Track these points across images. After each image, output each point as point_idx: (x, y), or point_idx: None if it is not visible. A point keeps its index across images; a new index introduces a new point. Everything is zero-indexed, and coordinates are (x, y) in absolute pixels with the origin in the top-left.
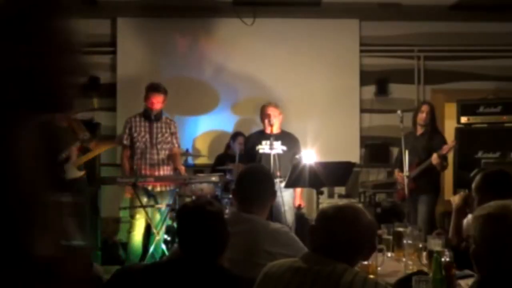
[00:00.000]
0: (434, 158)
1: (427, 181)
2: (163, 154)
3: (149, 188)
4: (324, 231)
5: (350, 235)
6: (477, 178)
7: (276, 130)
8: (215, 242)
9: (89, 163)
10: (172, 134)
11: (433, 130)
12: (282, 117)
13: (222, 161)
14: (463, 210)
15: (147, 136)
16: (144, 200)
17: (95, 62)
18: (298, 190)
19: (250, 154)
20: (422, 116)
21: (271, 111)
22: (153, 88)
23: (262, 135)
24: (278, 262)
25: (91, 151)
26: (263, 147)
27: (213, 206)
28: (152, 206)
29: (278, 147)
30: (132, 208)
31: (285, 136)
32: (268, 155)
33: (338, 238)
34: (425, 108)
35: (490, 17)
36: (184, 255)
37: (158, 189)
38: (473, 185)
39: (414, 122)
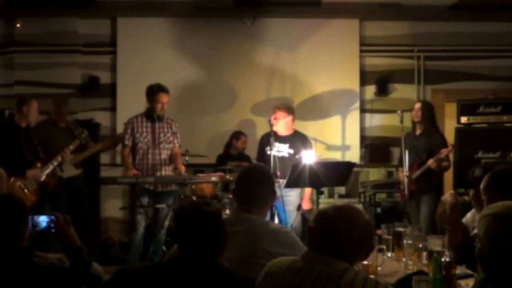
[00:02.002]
0: (431, 163)
1: (429, 181)
2: (165, 154)
3: (151, 188)
4: (323, 231)
5: (348, 235)
6: (485, 177)
7: (283, 131)
8: (213, 242)
9: (89, 163)
10: (173, 134)
11: (433, 129)
12: (290, 119)
13: (222, 160)
14: (457, 208)
15: (150, 136)
16: (145, 200)
17: (95, 62)
18: (307, 192)
19: (261, 154)
20: (414, 113)
21: (278, 111)
22: (161, 89)
23: (272, 136)
24: (278, 261)
25: (88, 149)
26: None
27: (210, 206)
28: (152, 206)
29: (285, 150)
30: (132, 208)
31: (294, 139)
32: (274, 156)
33: (337, 238)
34: (417, 105)
35: (490, 17)
36: (183, 255)
37: (160, 189)
38: (481, 185)
39: (413, 122)
